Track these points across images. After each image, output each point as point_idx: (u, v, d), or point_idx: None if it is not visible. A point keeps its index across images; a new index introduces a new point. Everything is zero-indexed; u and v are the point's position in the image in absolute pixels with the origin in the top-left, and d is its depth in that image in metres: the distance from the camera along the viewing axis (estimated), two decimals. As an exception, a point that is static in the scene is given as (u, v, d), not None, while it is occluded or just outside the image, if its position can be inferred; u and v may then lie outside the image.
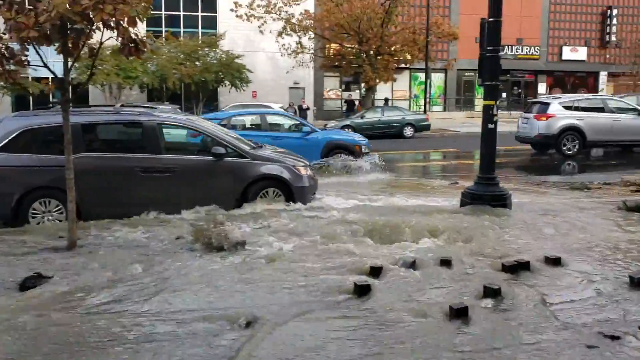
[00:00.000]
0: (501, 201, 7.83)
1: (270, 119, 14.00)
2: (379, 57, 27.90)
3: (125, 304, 4.48)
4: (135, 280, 5.05)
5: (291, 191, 7.86)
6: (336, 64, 29.64)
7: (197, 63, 28.35)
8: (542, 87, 39.59)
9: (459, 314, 4.10)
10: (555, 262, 5.29)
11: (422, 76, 32.72)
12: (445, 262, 5.33)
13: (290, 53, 28.93)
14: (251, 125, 13.72)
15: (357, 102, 31.99)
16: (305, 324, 4.05)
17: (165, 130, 8.08)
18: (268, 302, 4.46)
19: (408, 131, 25.08)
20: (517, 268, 5.13)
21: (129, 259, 5.72)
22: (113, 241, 6.43)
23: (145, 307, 4.41)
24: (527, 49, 38.60)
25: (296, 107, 27.62)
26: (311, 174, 8.34)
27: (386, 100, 31.92)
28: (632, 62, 37.13)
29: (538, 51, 38.90)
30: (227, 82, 29.44)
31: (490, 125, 7.91)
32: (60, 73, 6.13)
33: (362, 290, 4.58)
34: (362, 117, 25.14)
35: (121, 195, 7.46)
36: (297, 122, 14.17)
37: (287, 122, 14.13)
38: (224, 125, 13.49)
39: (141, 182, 7.46)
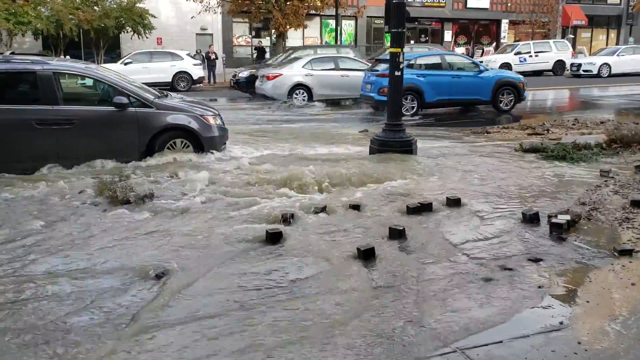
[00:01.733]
0: (407, 147, 8.08)
1: (449, 59, 15.47)
2: (288, 3, 27.35)
3: (24, 262, 4.27)
4: (36, 237, 4.82)
5: (200, 142, 7.68)
6: (245, 9, 28.72)
7: (95, 8, 26.56)
8: (448, 35, 40.53)
9: (366, 254, 4.25)
10: (455, 202, 5.58)
11: (332, 23, 32.47)
12: (355, 207, 5.48)
13: (195, -3, 27.70)
14: (433, 64, 14.89)
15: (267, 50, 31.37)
16: (217, 274, 4.05)
17: (62, 80, 7.58)
18: (179, 255, 4.41)
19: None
20: (421, 209, 5.37)
21: (28, 215, 5.43)
22: (10, 197, 6.06)
23: (47, 264, 4.24)
24: (434, -4, 39.19)
25: (203, 55, 26.62)
26: (221, 124, 8.17)
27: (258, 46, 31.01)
28: (530, 11, 38.70)
29: (444, -1, 39.61)
30: (129, 29, 27.86)
31: (397, 73, 8.04)
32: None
33: (274, 238, 4.63)
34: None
35: (17, 149, 6.99)
36: (472, 62, 15.58)
37: (463, 62, 15.53)
38: (411, 66, 14.27)
39: (38, 135, 7.01)
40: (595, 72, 27.00)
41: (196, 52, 27.17)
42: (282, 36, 29.02)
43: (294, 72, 16.92)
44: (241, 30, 35.12)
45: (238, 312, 3.45)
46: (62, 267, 4.20)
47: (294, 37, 33.71)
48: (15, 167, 6.92)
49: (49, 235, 4.89)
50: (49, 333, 3.23)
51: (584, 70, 27.37)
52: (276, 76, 16.83)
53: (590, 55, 32.64)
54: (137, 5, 27.41)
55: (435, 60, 15.14)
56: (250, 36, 35.42)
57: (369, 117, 14.22)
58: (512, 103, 14.73)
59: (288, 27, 27.84)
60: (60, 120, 7.08)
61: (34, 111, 7.04)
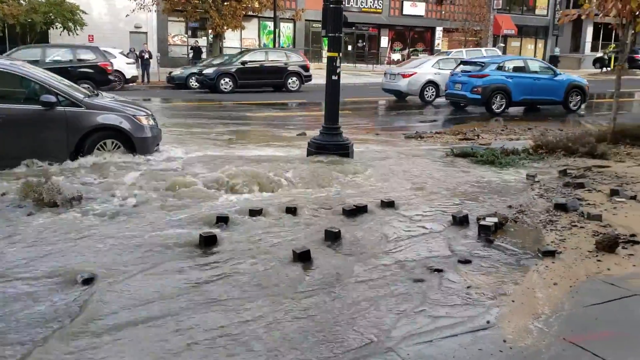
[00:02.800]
0: (344, 150, 8.16)
1: (531, 63, 17.06)
2: (225, 3, 27.08)
3: (-61, 270, 4.02)
4: (-48, 243, 4.55)
5: (132, 142, 7.48)
6: (180, 8, 28.22)
7: (21, 2, 25.40)
8: (384, 41, 41.31)
9: (302, 257, 4.26)
10: (389, 204, 5.68)
11: (271, 25, 32.45)
12: (291, 210, 5.48)
13: (129, -6, 27.01)
14: (518, 67, 16.38)
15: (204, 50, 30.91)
16: (148, 278, 3.95)
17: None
18: (108, 259, 4.27)
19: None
20: (356, 212, 5.44)
21: (-57, 219, 5.12)
22: None
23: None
24: (370, 2, 39.84)
25: (137, 53, 25.91)
26: (154, 124, 7.98)
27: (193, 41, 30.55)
28: (463, 19, 40.02)
29: (381, 5, 40.34)
30: (59, 24, 26.78)
31: (334, 77, 8.11)
32: None
33: (207, 241, 4.56)
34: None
35: None
36: (548, 67, 17.08)
37: (541, 66, 16.99)
38: (501, 68, 15.74)
39: (-43, 134, 6.64)
40: None
41: (130, 50, 26.42)
42: (219, 37, 28.71)
43: (425, 71, 18.94)
44: (177, 30, 34.50)
45: (168, 318, 3.37)
46: (-19, 273, 3.98)
47: (231, 38, 33.49)
48: None
49: (-34, 239, 4.62)
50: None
51: None
52: (411, 74, 18.62)
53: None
54: (68, 0, 26.41)
55: (520, 63, 16.67)
56: (186, 36, 34.84)
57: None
58: (579, 104, 16.22)
59: (225, 27, 27.58)
60: (-18, 118, 6.73)
61: (-48, 109, 6.65)
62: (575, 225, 5.20)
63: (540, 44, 46.63)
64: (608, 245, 4.55)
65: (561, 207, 5.65)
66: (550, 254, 4.47)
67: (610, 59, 34.85)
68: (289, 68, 22.90)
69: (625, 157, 8.59)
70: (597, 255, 4.47)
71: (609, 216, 5.47)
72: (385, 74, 20.94)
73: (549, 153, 8.80)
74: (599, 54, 42.75)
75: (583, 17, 9.94)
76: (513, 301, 3.69)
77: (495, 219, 5.09)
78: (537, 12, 45.88)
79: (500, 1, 41.46)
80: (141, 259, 4.30)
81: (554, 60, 35.27)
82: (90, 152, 7.24)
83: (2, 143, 6.86)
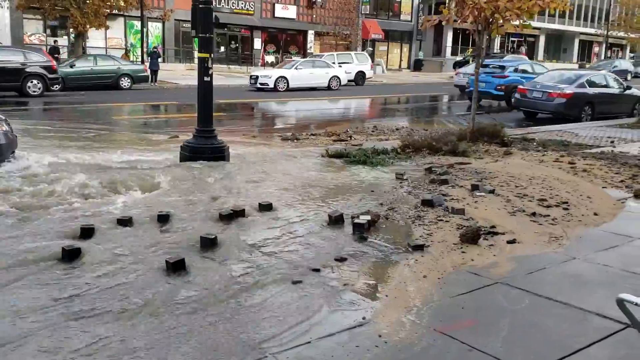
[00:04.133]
0: (220, 153, 8.00)
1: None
2: (87, 1, 25.57)
3: None
4: None
5: (-17, 150, 6.79)
6: (36, 5, 26.18)
7: None
8: (257, 43, 41.29)
9: (176, 267, 4.09)
10: (267, 207, 5.65)
11: (138, 25, 31.17)
12: (163, 218, 5.26)
13: (-22, -12, 24.63)
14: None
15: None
16: (5, 297, 3.58)
17: None
18: (-46, 280, 3.82)
19: (125, 82, 23.79)
20: (233, 216, 5.34)
21: None
22: None
23: None
24: (242, 4, 39.61)
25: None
26: (9, 130, 7.30)
27: (56, 42, 28.71)
28: (334, 24, 41.10)
29: (252, 7, 40.27)
30: None
31: (207, 78, 7.93)
32: None
33: (71, 255, 4.23)
34: (71, 66, 22.92)
35: None
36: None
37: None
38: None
39: None
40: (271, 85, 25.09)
41: None
42: (81, 36, 27.07)
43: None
44: (34, 28, 32.00)
45: (27, 339, 3.07)
46: None
47: (95, 38, 31.74)
48: None
49: None
50: None
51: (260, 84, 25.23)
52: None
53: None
54: None
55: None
56: (45, 34, 32.45)
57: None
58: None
59: (88, 26, 26.04)
60: None
61: None
62: (441, 220, 5.50)
63: (406, 48, 49.12)
64: (471, 237, 4.86)
65: (428, 203, 5.96)
66: (420, 248, 4.69)
67: (468, 62, 37.50)
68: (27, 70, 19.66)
69: (484, 154, 9.28)
70: (461, 247, 4.76)
71: (471, 210, 5.85)
72: None
73: (416, 152, 9.27)
74: (459, 58, 45.92)
75: (444, 22, 10.59)
76: (386, 296, 3.81)
77: (368, 217, 5.25)
78: (402, 17, 48.26)
79: (368, 6, 43.16)
80: (-6, 278, 3.89)
81: (418, 63, 37.29)
82: None
83: None
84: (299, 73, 26.02)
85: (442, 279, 4.12)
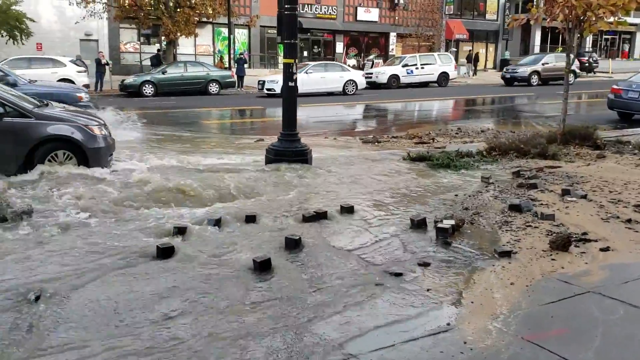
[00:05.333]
0: (302, 156, 8.16)
1: None
2: (178, 10, 26.77)
3: None
4: None
5: (84, 153, 7.27)
6: (132, 15, 27.74)
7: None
8: (339, 47, 41.58)
9: (263, 266, 4.22)
10: (349, 210, 5.70)
11: (225, 31, 32.23)
12: (251, 218, 5.43)
13: (80, 2, 26.38)
14: None
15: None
16: (105, 291, 3.84)
17: None
18: (61, 274, 4.13)
19: (213, 88, 24.69)
20: (316, 218, 5.43)
21: None
22: None
23: None
24: (325, 8, 40.04)
25: (83, 61, 25.17)
26: (107, 134, 7.79)
27: (158, 51, 30.34)
28: (416, 25, 40.68)
29: (335, 11, 40.60)
30: (4, 33, 25.92)
31: (291, 83, 8.12)
32: None
33: (165, 252, 4.47)
34: (163, 73, 24.09)
35: None
36: None
37: None
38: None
39: None
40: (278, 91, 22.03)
41: (76, 58, 25.68)
42: (172, 43, 28.35)
43: None
44: (129, 37, 33.87)
45: (126, 332, 3.28)
46: None
47: (185, 45, 33.09)
48: None
49: None
50: None
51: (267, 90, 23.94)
52: None
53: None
54: (13, 8, 25.60)
55: None
56: (139, 42, 34.26)
57: None
58: None
59: (179, 34, 27.25)
60: None
61: None
62: (530, 226, 5.33)
63: (491, 48, 47.79)
64: (561, 244, 4.68)
65: (515, 208, 5.78)
66: (507, 254, 4.56)
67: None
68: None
69: (575, 157, 8.87)
70: (551, 254, 4.59)
71: (562, 215, 5.62)
72: None
73: (502, 155, 9.01)
74: (548, 57, 44.03)
75: (532, 21, 10.23)
76: (472, 302, 3.75)
77: (452, 221, 5.17)
78: (487, 17, 47.00)
79: (452, 7, 42.37)
80: (95, 272, 4.17)
81: (504, 63, 36.18)
82: (41, 163, 7.00)
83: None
84: (309, 77, 23.57)
85: (531, 287, 3.99)
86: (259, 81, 25.15)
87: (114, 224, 5.32)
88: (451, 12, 42.01)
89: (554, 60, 30.39)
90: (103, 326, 3.37)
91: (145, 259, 4.42)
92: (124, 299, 3.74)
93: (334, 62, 28.50)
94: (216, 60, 33.32)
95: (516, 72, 30.89)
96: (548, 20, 9.89)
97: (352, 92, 24.83)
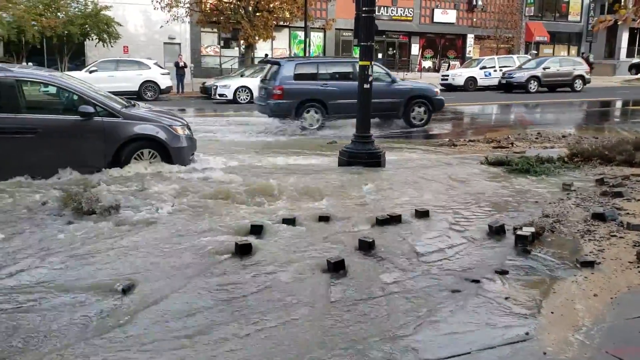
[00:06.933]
0: (376, 158, 8.16)
1: None
2: (257, 14, 27.42)
3: (-15, 276, 4.15)
4: (-3, 250, 4.69)
5: (168, 152, 7.60)
6: (214, 19, 28.69)
7: (59, 14, 26.13)
8: (415, 49, 41.18)
9: (336, 267, 4.26)
10: (424, 214, 5.64)
11: (301, 35, 32.70)
12: (324, 219, 5.50)
13: (165, 6, 27.55)
14: None
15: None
16: (186, 286, 4.00)
17: (25, 88, 7.42)
18: (146, 267, 4.35)
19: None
20: (390, 221, 5.42)
21: (-12, 227, 5.28)
22: (-32, 209, 5.88)
23: (7, 278, 4.12)
24: (401, 10, 39.81)
25: (159, 64, 26.15)
26: (189, 134, 8.10)
27: (266, 55, 31.52)
28: (495, 27, 39.66)
29: (411, 13, 40.27)
30: (94, 36, 27.46)
31: (366, 85, 8.13)
32: None
33: (243, 250, 4.60)
34: (242, 75, 24.66)
35: (-25, 158, 6.80)
36: None
37: None
38: None
39: (-1, 144, 6.84)
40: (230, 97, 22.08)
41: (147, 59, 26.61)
42: (251, 47, 29.05)
43: None
44: (209, 40, 35.01)
45: (206, 326, 3.41)
46: (25, 280, 4.09)
47: (262, 48, 33.79)
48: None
49: (10, 248, 4.75)
50: (9, 349, 3.13)
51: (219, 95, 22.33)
52: None
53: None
54: (103, 12, 27.07)
55: None
56: (219, 46, 35.33)
57: None
58: None
59: (257, 38, 27.90)
60: (22, 129, 6.93)
61: (-6, 119, 6.86)
62: (615, 235, 5.09)
63: (574, 50, 45.86)
64: (650, 256, 4.44)
65: (599, 217, 5.53)
66: (589, 264, 4.38)
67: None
68: None
69: (666, 166, 8.37)
70: (638, 266, 4.37)
71: (650, 226, 5.33)
72: None
73: (585, 161, 8.63)
74: (635, 60, 41.85)
75: (619, 22, 9.76)
76: (552, 312, 3.63)
77: (532, 229, 5.01)
78: (570, 18, 45.20)
79: (532, 8, 41.01)
80: (178, 267, 4.36)
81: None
82: (128, 161, 7.38)
83: (42, 153, 7.04)
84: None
85: (615, 299, 3.81)
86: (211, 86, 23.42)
87: (195, 220, 5.52)
88: (531, 14, 40.71)
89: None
90: (189, 318, 3.51)
91: (224, 256, 4.56)
92: (203, 294, 3.88)
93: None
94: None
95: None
96: (638, 21, 9.41)
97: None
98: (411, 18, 40.22)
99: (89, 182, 6.65)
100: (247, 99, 21.64)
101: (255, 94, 19.67)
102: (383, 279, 4.16)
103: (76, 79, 8.33)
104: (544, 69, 26.87)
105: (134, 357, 3.06)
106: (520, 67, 27.98)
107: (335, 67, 14.49)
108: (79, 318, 3.50)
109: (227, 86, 22.19)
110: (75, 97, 7.42)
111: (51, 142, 7.08)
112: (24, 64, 21.54)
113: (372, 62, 8.17)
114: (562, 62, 28.06)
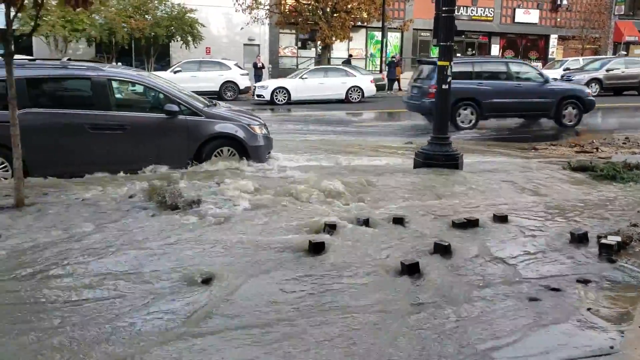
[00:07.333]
0: (453, 161, 8.02)
1: None
2: (335, 15, 27.59)
3: (73, 264, 4.42)
4: (86, 240, 4.98)
5: (246, 150, 7.81)
6: (292, 20, 29.14)
7: (147, 17, 27.39)
8: (495, 49, 40.07)
9: (411, 269, 4.22)
10: (502, 219, 5.49)
11: (378, 35, 32.55)
12: (398, 220, 5.46)
13: (245, 9, 28.26)
14: None
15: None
16: (261, 281, 4.10)
17: (115, 86, 7.85)
18: (224, 261, 4.49)
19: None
20: (467, 225, 5.31)
21: (79, 217, 5.62)
22: (62, 200, 6.28)
23: (97, 266, 4.37)
24: (481, 10, 38.84)
25: (239, 65, 26.76)
26: (266, 133, 8.29)
27: (350, 56, 31.59)
28: (581, 27, 37.93)
29: (492, 13, 39.21)
30: (179, 38, 28.58)
31: (445, 86, 8.01)
32: (2, 24, 5.83)
33: (316, 248, 4.65)
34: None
35: (70, 153, 7.26)
36: None
37: None
38: None
39: (90, 139, 7.27)
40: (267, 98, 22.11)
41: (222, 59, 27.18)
42: (327, 48, 29.27)
43: None
44: (287, 42, 35.54)
45: (280, 323, 3.48)
46: (111, 270, 4.32)
47: (339, 49, 33.94)
48: (67, 171, 7.17)
49: (99, 238, 5.04)
50: (99, 335, 3.33)
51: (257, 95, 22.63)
52: None
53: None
54: (188, 15, 28.11)
55: None
56: (297, 47, 35.81)
57: None
58: None
59: (334, 39, 28.07)
60: (112, 125, 7.32)
61: (87, 116, 7.29)
62: None
63: (669, 51, 43.09)
64: None
65: (694, 229, 5.19)
66: (682, 278, 4.12)
67: None
68: None
69: None
70: None
71: None
72: None
73: (680, 169, 8.10)
74: None
75: None
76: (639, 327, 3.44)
77: (618, 238, 4.77)
78: (665, 16, 42.49)
79: (623, 6, 38.91)
80: (254, 262, 4.46)
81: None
82: (208, 158, 7.65)
83: (129, 149, 7.42)
84: (304, 83, 22.18)
85: None
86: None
87: (271, 217, 5.64)
88: (621, 13, 38.58)
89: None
90: (264, 312, 3.61)
91: (297, 253, 4.63)
92: (275, 291, 3.97)
93: (337, 66, 25.68)
94: (367, 64, 33.71)
95: None
96: None
97: (357, 100, 22.82)
98: (491, 18, 39.15)
99: (172, 177, 6.93)
100: (284, 100, 21.78)
101: (293, 95, 21.23)
102: (456, 282, 4.08)
103: (162, 79, 8.72)
104: (607, 70, 25.07)
105: (212, 343, 3.18)
106: (581, 69, 26.40)
107: (490, 66, 14.49)
108: (160, 307, 3.67)
109: (265, 87, 22.29)
110: (162, 96, 7.77)
111: (138, 139, 7.45)
112: (114, 63, 22.74)
113: (452, 62, 8.04)
114: (628, 63, 26.09)
